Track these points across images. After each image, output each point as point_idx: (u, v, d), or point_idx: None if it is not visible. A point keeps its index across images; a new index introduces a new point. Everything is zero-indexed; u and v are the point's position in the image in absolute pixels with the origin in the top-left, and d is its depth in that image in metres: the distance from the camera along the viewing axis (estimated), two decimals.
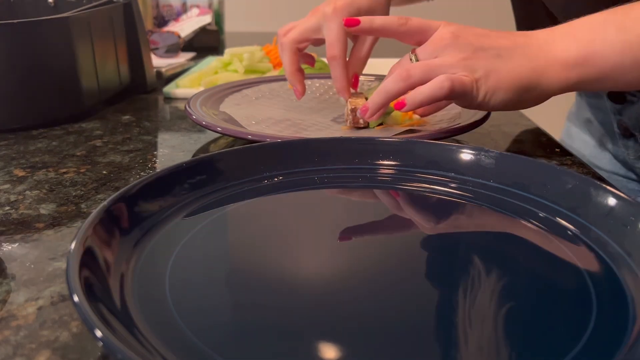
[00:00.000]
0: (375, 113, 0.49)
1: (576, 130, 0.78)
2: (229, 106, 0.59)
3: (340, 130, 0.53)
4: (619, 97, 0.64)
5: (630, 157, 0.67)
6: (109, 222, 0.31)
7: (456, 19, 0.50)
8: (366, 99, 0.55)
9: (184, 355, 0.23)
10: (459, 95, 0.45)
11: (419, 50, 0.48)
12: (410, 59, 0.48)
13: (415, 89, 0.46)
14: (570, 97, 0.81)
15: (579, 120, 0.77)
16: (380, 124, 0.53)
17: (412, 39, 0.50)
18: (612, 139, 0.70)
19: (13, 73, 0.58)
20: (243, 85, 0.67)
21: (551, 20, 0.59)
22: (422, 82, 0.45)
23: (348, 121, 0.53)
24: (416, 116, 0.55)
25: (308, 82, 0.70)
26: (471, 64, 0.45)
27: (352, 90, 0.56)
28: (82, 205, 0.41)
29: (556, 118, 1.28)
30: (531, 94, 0.47)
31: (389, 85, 0.47)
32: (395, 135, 0.48)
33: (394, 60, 0.90)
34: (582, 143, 0.76)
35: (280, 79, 0.70)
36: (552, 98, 0.48)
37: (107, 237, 0.30)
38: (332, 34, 0.55)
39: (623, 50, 0.44)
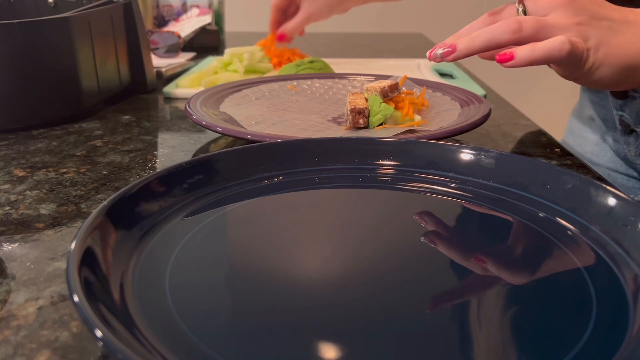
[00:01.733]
0: (464, 57, 0.45)
1: (579, 127, 0.78)
2: (229, 106, 0.59)
3: (340, 130, 0.53)
4: (621, 92, 0.64)
5: (631, 154, 0.67)
6: (109, 222, 0.31)
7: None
8: (366, 99, 0.55)
9: (184, 355, 0.23)
10: (571, 61, 0.43)
11: (529, 2, 0.45)
12: (517, 10, 0.45)
13: (529, 45, 0.42)
14: (575, 94, 0.81)
15: (581, 118, 0.78)
16: (381, 124, 0.53)
17: None
18: (614, 136, 0.70)
19: (13, 73, 0.58)
20: (243, 85, 0.67)
21: None
22: (532, 39, 0.43)
23: (348, 121, 0.53)
24: (417, 116, 0.55)
25: (308, 82, 0.70)
26: (585, 31, 0.43)
27: (351, 90, 0.56)
28: (82, 205, 0.41)
29: (557, 118, 1.28)
30: (634, 75, 0.45)
31: (496, 33, 0.43)
32: (395, 135, 0.48)
33: (394, 61, 0.90)
34: (584, 140, 0.76)
35: (281, 79, 0.70)
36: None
37: (107, 237, 0.30)
38: None
39: None
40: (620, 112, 0.65)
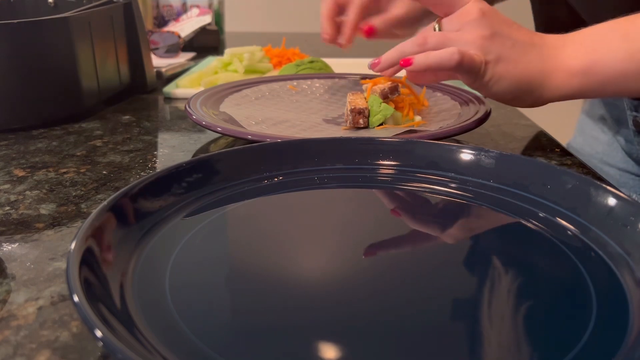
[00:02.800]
0: (386, 69, 0.52)
1: (590, 127, 0.77)
2: (229, 106, 0.59)
3: (340, 130, 0.53)
4: None
5: None
6: (109, 222, 0.31)
7: None
8: (365, 99, 0.55)
9: (184, 355, 0.23)
10: (465, 71, 0.47)
11: (444, 20, 0.50)
12: (434, 28, 0.50)
13: (426, 53, 0.48)
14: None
15: (592, 117, 0.77)
16: (381, 124, 0.53)
17: (440, 10, 0.51)
18: (626, 136, 0.70)
19: (13, 73, 0.58)
20: (243, 85, 0.67)
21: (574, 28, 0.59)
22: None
23: (348, 121, 0.53)
24: (417, 117, 0.55)
25: (308, 82, 0.70)
26: (486, 45, 0.47)
27: (351, 90, 0.56)
28: (82, 205, 0.41)
29: (562, 117, 1.28)
30: (531, 95, 0.48)
31: (406, 47, 0.49)
32: (396, 135, 0.48)
33: None
34: (595, 140, 0.76)
35: (281, 79, 0.70)
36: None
37: (107, 237, 0.30)
38: None
39: (626, 59, 0.45)
40: (634, 113, 0.64)
